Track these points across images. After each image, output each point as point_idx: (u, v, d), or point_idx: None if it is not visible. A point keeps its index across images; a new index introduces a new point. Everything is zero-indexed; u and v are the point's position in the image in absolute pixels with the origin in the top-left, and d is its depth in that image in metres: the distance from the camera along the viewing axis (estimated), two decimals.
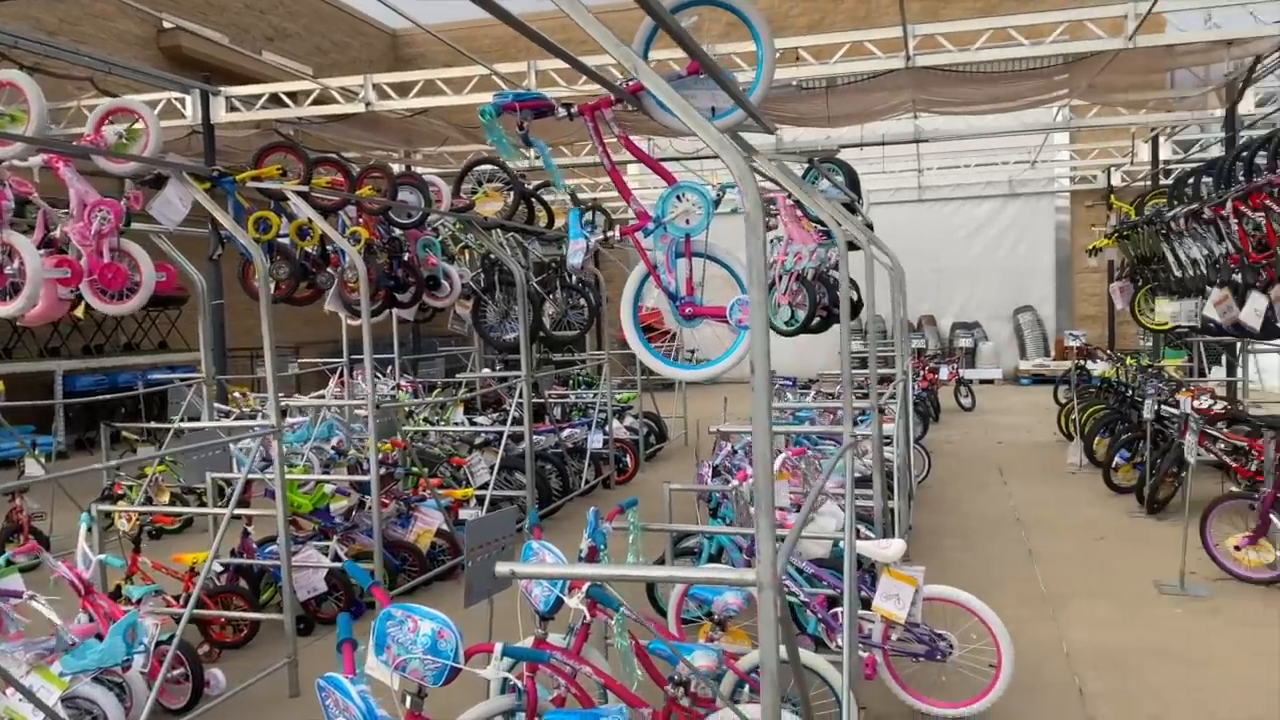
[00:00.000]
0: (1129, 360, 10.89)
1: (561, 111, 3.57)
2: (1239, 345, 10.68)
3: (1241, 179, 7.00)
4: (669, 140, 11.93)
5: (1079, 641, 5.17)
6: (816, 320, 7.29)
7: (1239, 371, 11.18)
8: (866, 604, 4.28)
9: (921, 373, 13.64)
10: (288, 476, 6.10)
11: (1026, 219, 19.90)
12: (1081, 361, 12.39)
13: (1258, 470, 6.78)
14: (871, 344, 5.18)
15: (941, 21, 8.38)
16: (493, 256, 7.58)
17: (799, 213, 7.19)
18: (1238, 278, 7.15)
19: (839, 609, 4.31)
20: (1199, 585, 6.00)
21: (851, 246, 7.75)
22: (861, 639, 4.28)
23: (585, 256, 3.59)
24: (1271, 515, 5.97)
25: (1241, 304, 7.13)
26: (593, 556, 3.50)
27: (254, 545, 5.79)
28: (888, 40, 8.42)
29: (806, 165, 7.02)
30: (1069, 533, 7.48)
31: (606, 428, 9.53)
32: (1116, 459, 8.74)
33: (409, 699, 2.61)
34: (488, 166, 8.01)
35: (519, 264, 7.44)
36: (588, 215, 9.58)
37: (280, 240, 6.14)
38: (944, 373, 15.08)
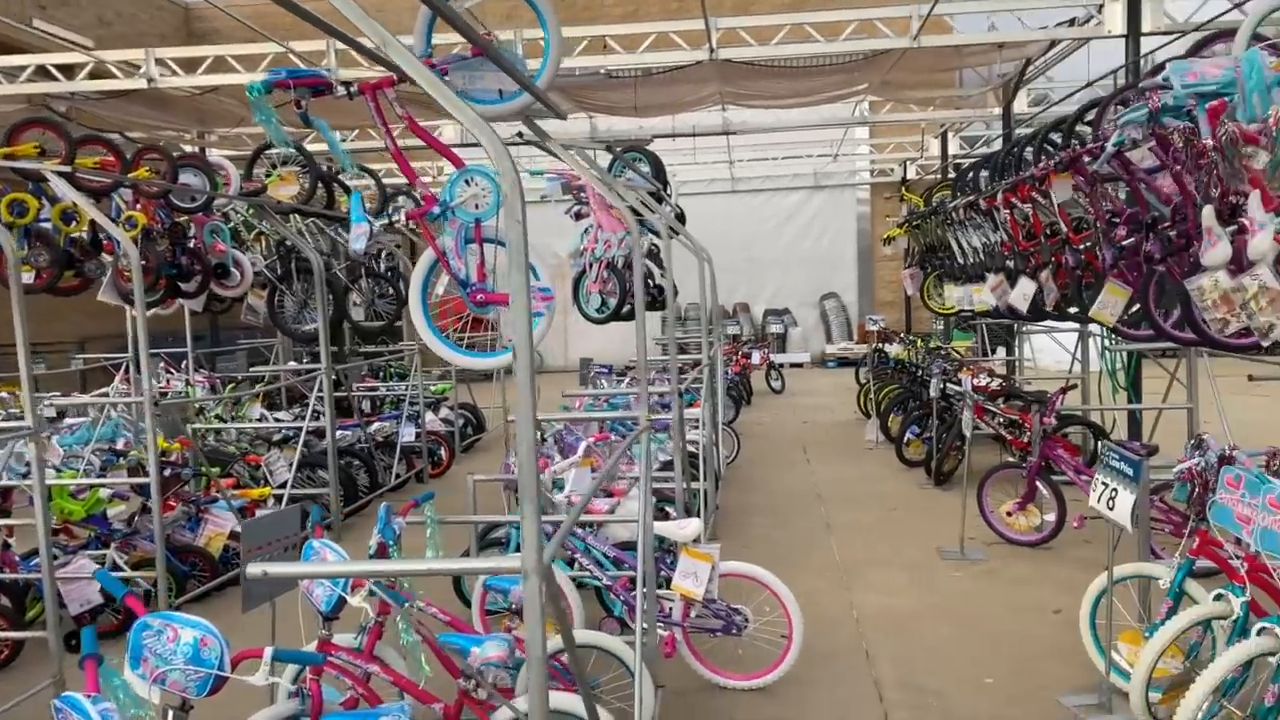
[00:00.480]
0: (919, 342, 11.60)
1: (340, 90, 3.42)
2: (1016, 327, 11.62)
3: (1012, 173, 7.58)
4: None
5: (869, 607, 5.47)
6: (627, 308, 7.36)
7: (1016, 351, 12.19)
8: (669, 584, 4.37)
9: (735, 358, 14.10)
10: (57, 482, 5.62)
11: (831, 210, 20.89)
12: (880, 344, 13.12)
13: (1028, 441, 7.38)
14: (670, 331, 5.27)
15: (741, 15, 8.61)
16: (289, 243, 7.22)
17: (608, 201, 7.24)
18: (1010, 264, 7.76)
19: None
20: (976, 550, 6.48)
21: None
22: (662, 618, 4.37)
23: (368, 242, 3.46)
24: (1037, 483, 6.52)
25: (1013, 288, 7.75)
26: (382, 553, 3.40)
27: (16, 558, 5.30)
28: (694, 33, 8.58)
29: (613, 155, 7.08)
30: (865, 506, 7.91)
31: (419, 420, 9.30)
32: (908, 435, 9.31)
33: (171, 713, 2.44)
34: (283, 149, 7.62)
35: (317, 251, 7.12)
36: (398, 201, 9.29)
37: (42, 225, 5.62)
38: (756, 357, 15.65)
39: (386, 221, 3.68)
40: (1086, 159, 5.37)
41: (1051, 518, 6.52)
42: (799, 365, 19.88)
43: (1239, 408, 9.16)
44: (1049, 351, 14.74)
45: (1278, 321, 3.85)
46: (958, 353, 13.64)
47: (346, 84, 3.44)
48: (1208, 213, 4.16)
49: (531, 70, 3.61)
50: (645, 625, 3.75)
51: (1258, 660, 3.42)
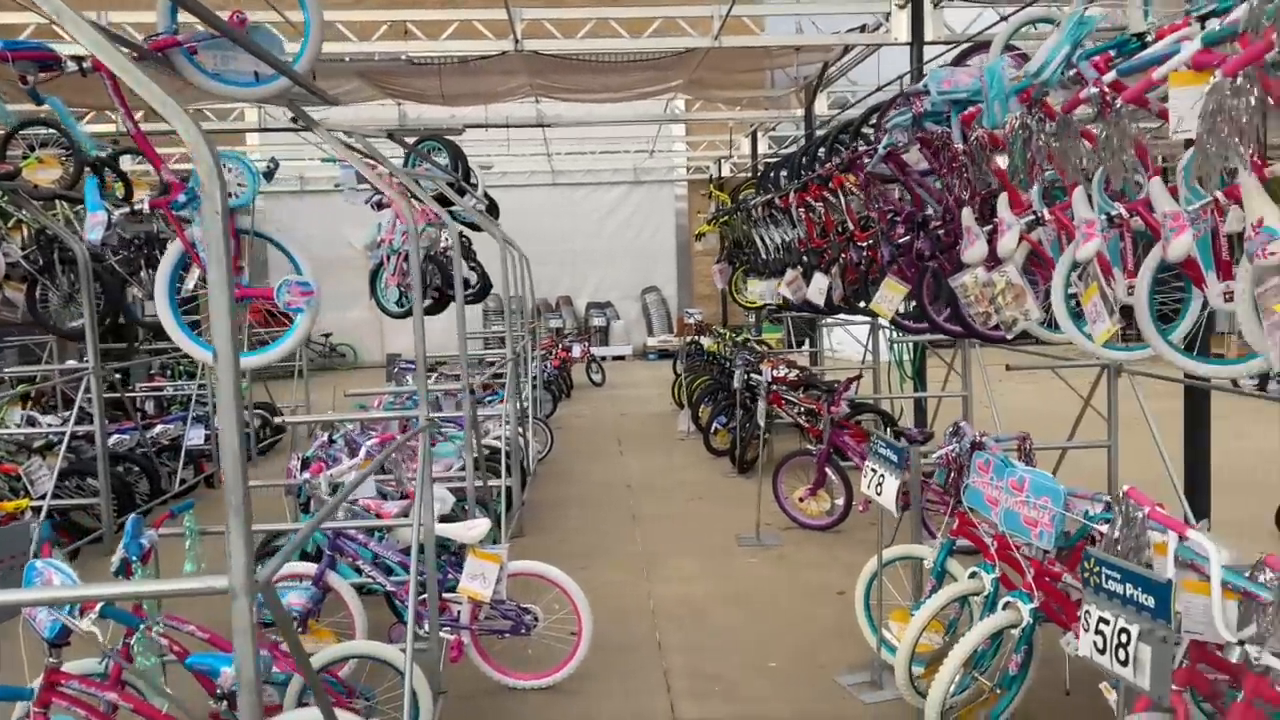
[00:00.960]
0: (727, 334, 11.89)
1: (72, 66, 3.11)
2: (817, 320, 12.12)
3: (808, 173, 7.87)
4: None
5: (666, 597, 5.54)
6: (429, 302, 7.15)
7: (818, 343, 12.72)
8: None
9: (555, 351, 14.05)
10: None
11: (650, 205, 21.17)
12: (695, 337, 13.39)
13: (812, 425, 7.68)
14: (461, 325, 5.14)
15: (547, 7, 8.53)
16: (50, 232, 6.60)
17: (408, 191, 7.01)
18: (806, 260, 8.06)
19: (440, 595, 4.24)
20: (772, 535, 6.69)
21: (475, 228, 7.72)
22: (449, 622, 4.25)
23: (105, 231, 3.17)
24: (826, 469, 6.80)
25: (809, 283, 8.06)
26: (126, 570, 3.12)
27: None
28: (499, 22, 8.44)
29: (406, 147, 6.85)
30: (671, 495, 8.03)
31: (209, 422, 8.73)
32: (715, 425, 9.53)
33: None
34: (43, 129, 6.94)
35: (81, 241, 6.53)
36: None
37: None
38: (577, 350, 15.67)
39: (129, 211, 3.38)
40: (866, 160, 5.63)
41: (841, 502, 6.82)
42: (621, 358, 20.05)
43: (1011, 394, 9.88)
44: (852, 343, 15.54)
45: (1020, 316, 4.13)
46: (768, 345, 14.15)
47: (78, 59, 3.14)
48: (967, 213, 4.43)
49: (291, 54, 3.40)
50: (421, 631, 3.63)
51: (1006, 633, 3.68)
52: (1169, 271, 3.55)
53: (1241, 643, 2.50)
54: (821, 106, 12.62)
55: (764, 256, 9.41)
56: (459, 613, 4.27)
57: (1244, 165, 2.61)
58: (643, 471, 9.06)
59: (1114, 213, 3.51)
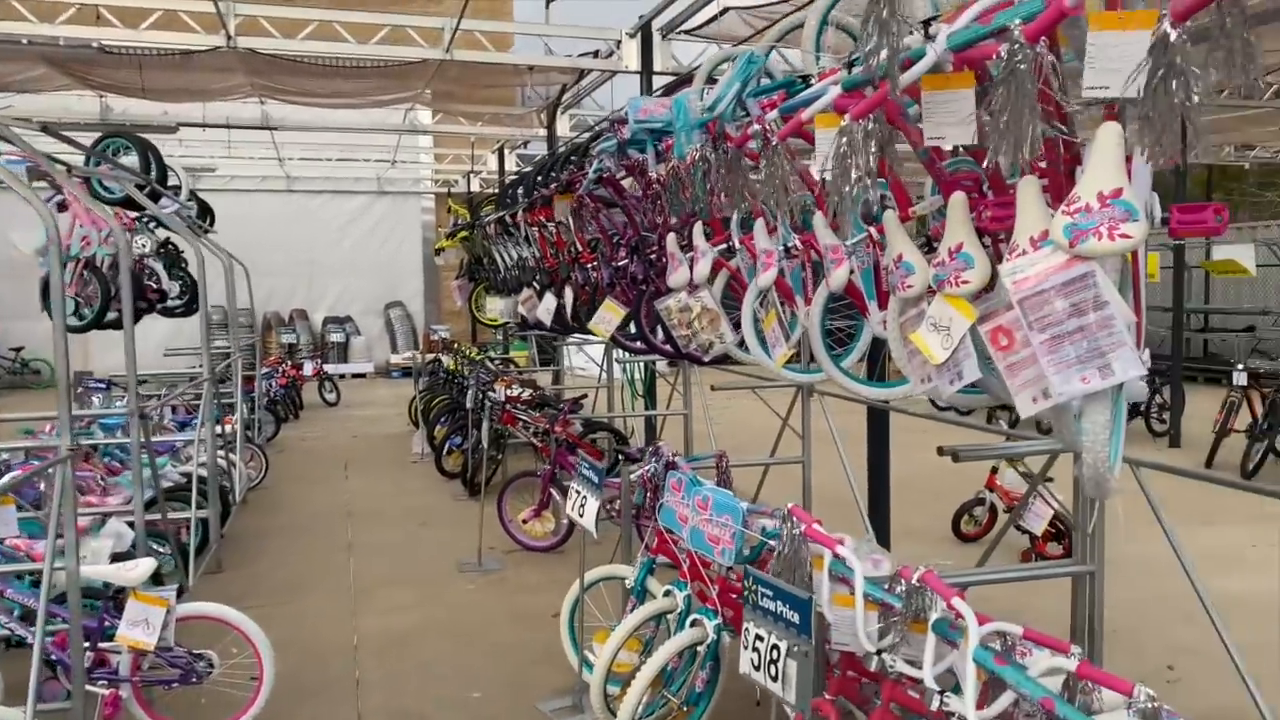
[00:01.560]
0: (467, 352, 11.71)
1: None
2: (556, 339, 12.20)
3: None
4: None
5: (372, 630, 5.28)
6: (114, 314, 6.48)
7: (560, 362, 12.80)
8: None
9: (283, 369, 13.22)
10: None
11: (396, 217, 20.53)
12: (439, 355, 13.07)
13: (545, 444, 7.65)
14: (129, 343, 4.66)
15: (260, 4, 8.03)
16: None
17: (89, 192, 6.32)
18: (538, 279, 8.06)
19: (97, 644, 3.79)
20: (494, 560, 6.58)
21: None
22: (107, 674, 3.80)
23: None
24: (551, 489, 6.78)
25: (541, 302, 8.06)
26: None
27: None
28: (209, 15, 7.83)
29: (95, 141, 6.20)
30: (395, 522, 7.73)
31: None
32: (448, 445, 9.31)
33: None
34: None
35: None
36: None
37: None
38: (308, 368, 14.86)
39: None
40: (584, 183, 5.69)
41: (566, 522, 6.82)
42: (361, 376, 19.25)
43: (733, 411, 10.36)
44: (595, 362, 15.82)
45: (716, 340, 4.29)
46: (514, 364, 14.06)
47: None
48: (671, 239, 4.55)
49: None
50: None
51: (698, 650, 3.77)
52: (844, 300, 3.81)
53: (879, 651, 2.67)
54: (564, 127, 12.76)
55: (502, 274, 9.35)
56: (118, 663, 3.83)
57: (878, 205, 2.81)
58: (368, 497, 8.67)
59: (791, 244, 3.71)
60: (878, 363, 4.36)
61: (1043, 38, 1.86)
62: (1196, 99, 1.71)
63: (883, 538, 5.24)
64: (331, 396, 14.97)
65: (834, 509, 6.10)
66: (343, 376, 17.89)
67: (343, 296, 20.24)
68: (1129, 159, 1.90)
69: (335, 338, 19.42)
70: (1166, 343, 11.39)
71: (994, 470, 6.65)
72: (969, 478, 6.58)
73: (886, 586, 2.75)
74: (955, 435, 5.69)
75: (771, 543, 3.43)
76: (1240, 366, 9.62)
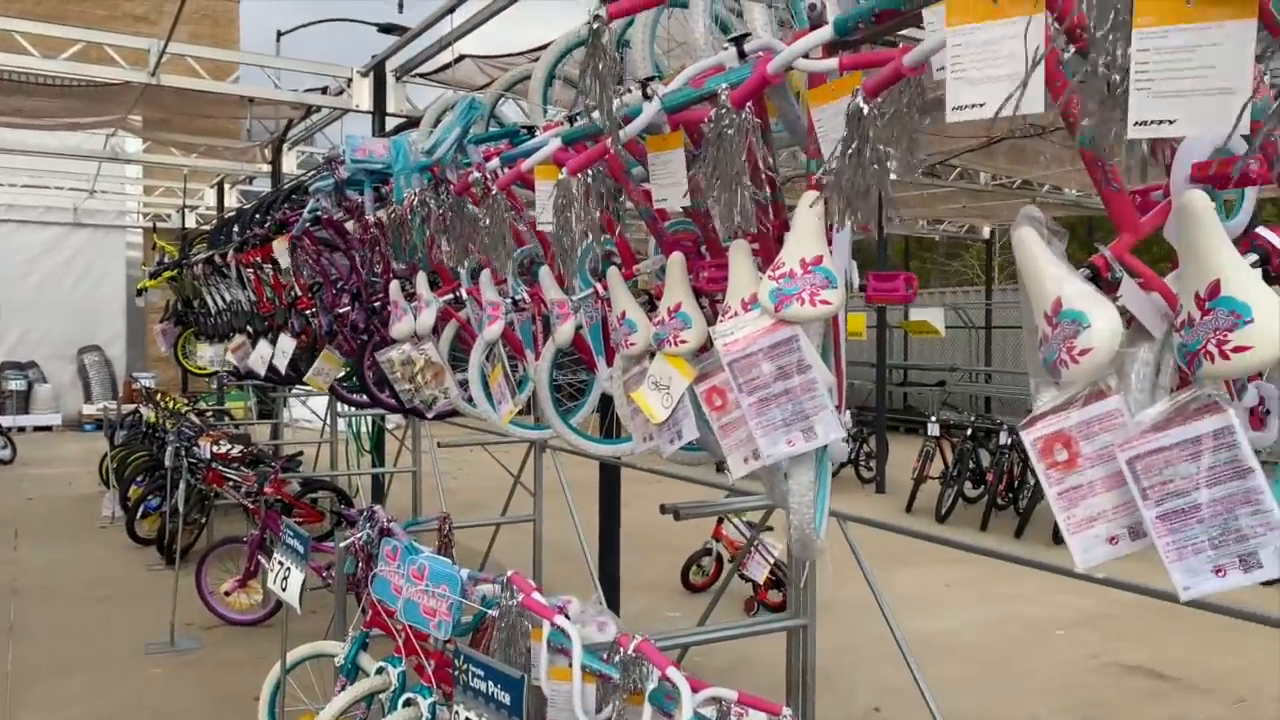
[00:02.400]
0: (172, 403, 10.66)
1: None
2: (277, 389, 11.39)
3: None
4: None
5: None
6: None
7: (281, 414, 11.95)
8: None
9: None
10: None
11: (95, 251, 18.55)
12: (139, 405, 11.79)
13: (258, 505, 7.02)
14: None
15: None
16: None
17: None
18: (252, 325, 7.46)
19: None
20: (190, 637, 5.91)
21: None
22: None
23: None
24: (259, 556, 6.21)
25: (255, 349, 7.46)
26: None
27: None
28: None
29: None
30: (72, 597, 6.78)
31: None
32: (144, 508, 8.35)
33: None
34: None
35: None
36: None
37: None
38: None
39: None
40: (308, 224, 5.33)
41: None
42: (46, 429, 17.06)
43: (468, 466, 10.11)
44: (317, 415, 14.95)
45: (440, 395, 4.10)
46: (229, 416, 12.96)
47: None
48: (394, 287, 4.32)
49: None
50: None
51: None
52: (575, 355, 3.75)
53: None
54: (291, 164, 12.09)
55: (213, 318, 8.60)
56: None
57: (602, 262, 2.78)
58: (41, 569, 7.57)
59: (520, 296, 3.62)
60: (607, 418, 4.35)
61: (748, 104, 1.88)
62: (890, 174, 1.78)
63: (613, 592, 5.22)
64: (5, 453, 13.10)
65: (566, 565, 6.05)
66: (22, 429, 15.78)
67: (26, 339, 17.92)
68: (831, 227, 1.95)
69: (14, 385, 17.11)
70: (872, 395, 12.42)
71: (720, 521, 6.85)
72: (699, 528, 6.74)
73: (605, 656, 2.66)
74: (683, 488, 5.81)
75: (492, 612, 3.27)
76: (934, 418, 10.65)
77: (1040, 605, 6.65)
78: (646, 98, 2.34)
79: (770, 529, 6.13)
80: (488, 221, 2.75)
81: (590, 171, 2.35)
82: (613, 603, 5.08)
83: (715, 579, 7.07)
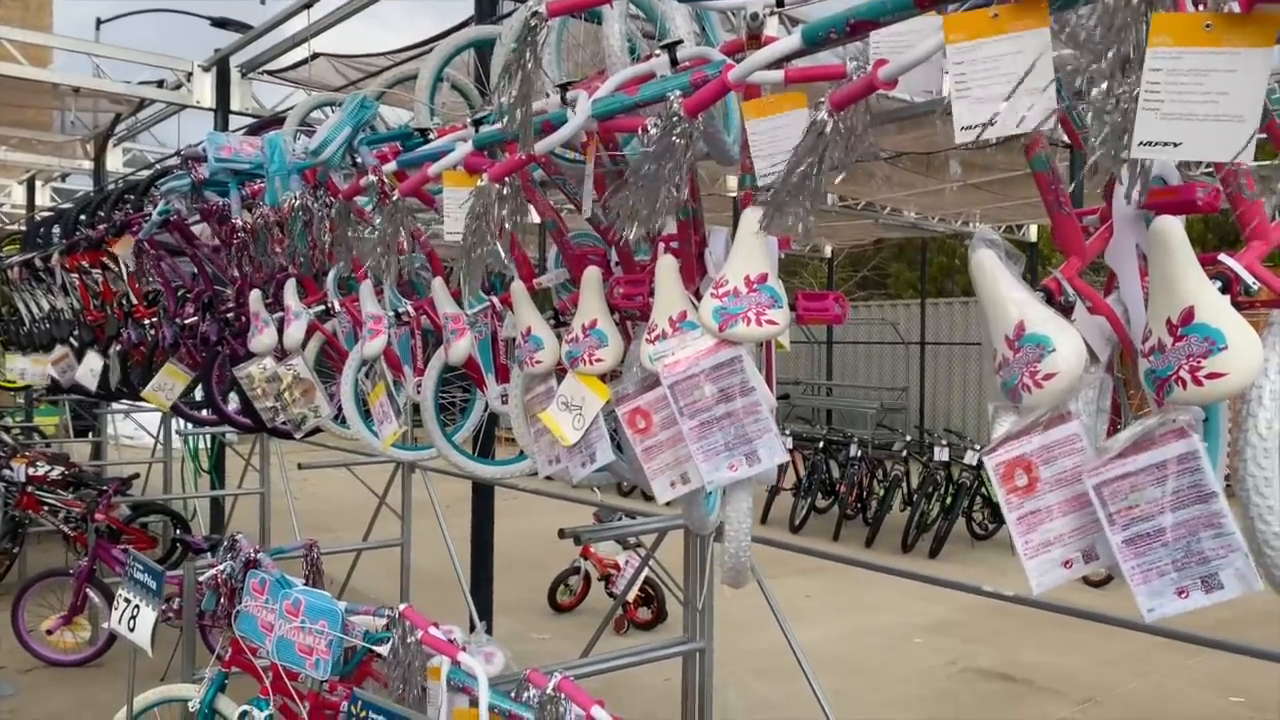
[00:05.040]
0: None
1: None
2: (102, 405, 10.48)
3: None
4: None
5: None
6: None
7: (105, 432, 11.00)
8: None
9: None
10: None
11: None
12: None
13: (81, 533, 6.39)
14: None
15: None
16: None
17: None
18: (77, 335, 6.81)
19: None
20: (5, 682, 5.28)
21: None
22: None
23: None
24: (88, 589, 5.63)
25: (81, 362, 6.80)
26: None
27: None
28: None
29: None
30: None
31: None
32: None
33: None
34: None
35: None
36: None
37: None
38: None
39: None
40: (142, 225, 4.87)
41: (106, 628, 5.69)
42: None
43: (321, 487, 9.59)
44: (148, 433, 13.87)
45: (310, 413, 3.81)
46: (40, 433, 11.84)
47: None
48: (255, 297, 3.99)
49: None
50: None
51: None
52: (456, 372, 3.56)
53: None
54: (116, 161, 11.18)
55: (28, 327, 7.81)
56: None
57: (510, 272, 2.63)
58: None
59: (401, 309, 3.41)
60: (489, 439, 4.16)
61: (701, 113, 1.79)
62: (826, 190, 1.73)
63: (486, 618, 5.01)
64: None
65: (433, 588, 5.77)
66: None
67: None
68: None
69: None
70: None
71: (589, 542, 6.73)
72: (565, 547, 6.59)
73: (513, 694, 2.50)
74: (552, 505, 5.67)
75: (375, 648, 3.03)
76: (786, 431, 10.91)
77: (898, 613, 6.86)
78: (565, 104, 2.22)
79: (640, 545, 6.06)
80: (384, 230, 2.54)
81: (508, 179, 2.20)
82: (486, 628, 4.87)
83: (582, 598, 6.94)
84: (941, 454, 9.41)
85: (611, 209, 2.06)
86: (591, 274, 2.41)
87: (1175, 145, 1.19)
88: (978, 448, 9.26)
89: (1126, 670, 5.76)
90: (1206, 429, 1.55)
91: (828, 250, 17.39)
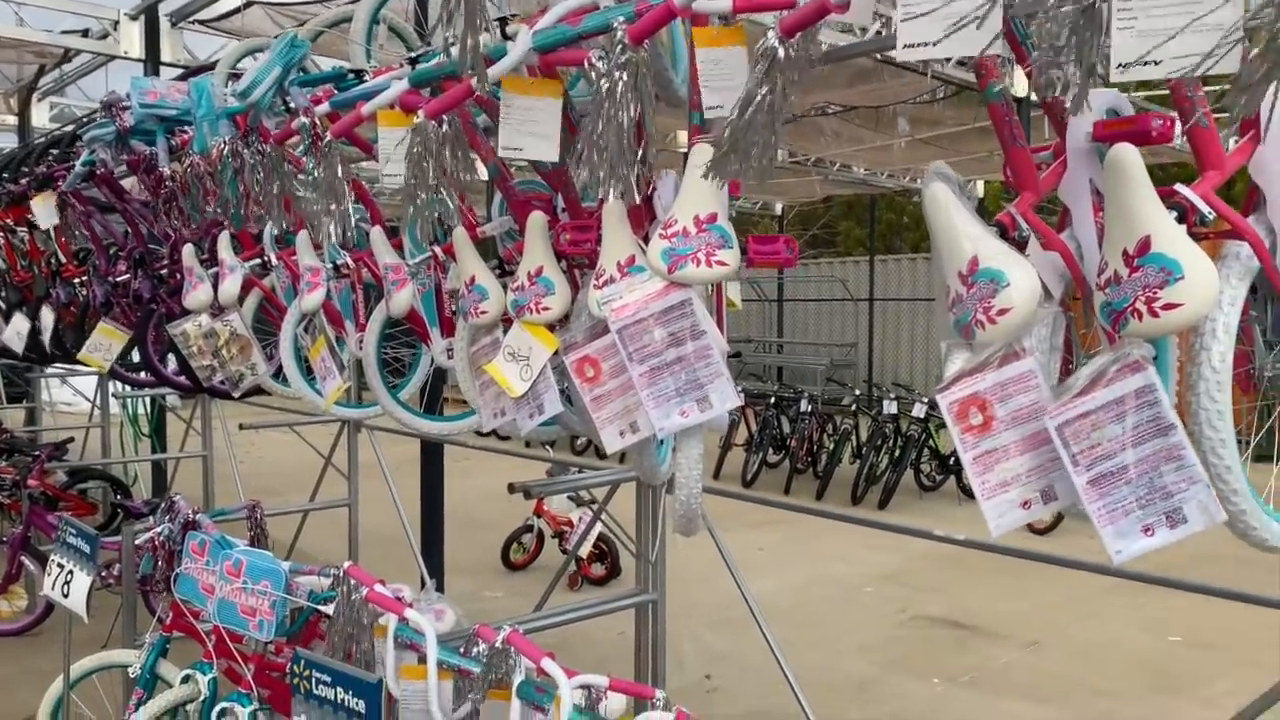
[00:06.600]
0: None
1: None
2: (35, 369, 10.14)
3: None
4: None
5: None
6: None
7: (39, 397, 10.64)
8: None
9: None
10: None
11: None
12: None
13: (15, 500, 6.18)
14: None
15: None
16: None
17: None
18: (4, 296, 6.55)
19: None
20: None
21: None
22: None
23: None
24: (23, 556, 5.46)
25: (8, 324, 6.56)
26: None
27: None
28: None
29: None
30: None
31: None
32: None
33: None
34: None
35: None
36: None
37: None
38: None
39: None
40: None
41: (43, 597, 5.53)
42: None
43: (265, 449, 9.42)
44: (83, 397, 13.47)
45: (247, 371, 3.69)
46: None
47: None
48: (189, 252, 3.85)
49: None
50: None
51: None
52: (400, 326, 3.46)
53: None
54: (42, 116, 10.72)
55: None
56: None
57: (455, 219, 2.54)
58: None
59: (340, 261, 3.29)
60: (437, 395, 4.08)
61: (646, 40, 1.71)
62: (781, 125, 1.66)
63: (438, 577, 4.96)
64: None
65: (381, 550, 5.69)
66: None
67: None
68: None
69: None
70: None
71: (542, 497, 6.68)
72: (518, 506, 6.54)
73: (462, 649, 2.45)
74: (505, 463, 5.61)
75: (320, 608, 2.96)
76: (738, 389, 10.92)
77: (849, 564, 6.94)
78: (505, 37, 2.13)
79: (594, 501, 6.03)
80: (319, 174, 2.43)
81: (447, 118, 2.11)
82: (439, 586, 4.82)
83: (535, 556, 6.92)
84: (890, 407, 9.51)
85: (573, 164, 1.98)
86: (536, 219, 2.33)
87: (1156, 63, 1.15)
88: (925, 401, 9.37)
89: (1070, 614, 5.90)
90: (1157, 364, 1.53)
91: (778, 208, 17.38)
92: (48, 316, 5.51)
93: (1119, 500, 1.42)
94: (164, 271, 4.47)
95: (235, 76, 4.08)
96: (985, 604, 6.08)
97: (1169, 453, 1.40)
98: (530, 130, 2.14)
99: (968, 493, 7.21)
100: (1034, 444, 1.54)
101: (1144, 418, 1.41)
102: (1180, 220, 1.41)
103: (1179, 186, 1.43)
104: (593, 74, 1.79)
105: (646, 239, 2.03)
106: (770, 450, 10.41)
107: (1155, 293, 1.34)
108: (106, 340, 4.88)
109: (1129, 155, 1.37)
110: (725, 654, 5.23)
